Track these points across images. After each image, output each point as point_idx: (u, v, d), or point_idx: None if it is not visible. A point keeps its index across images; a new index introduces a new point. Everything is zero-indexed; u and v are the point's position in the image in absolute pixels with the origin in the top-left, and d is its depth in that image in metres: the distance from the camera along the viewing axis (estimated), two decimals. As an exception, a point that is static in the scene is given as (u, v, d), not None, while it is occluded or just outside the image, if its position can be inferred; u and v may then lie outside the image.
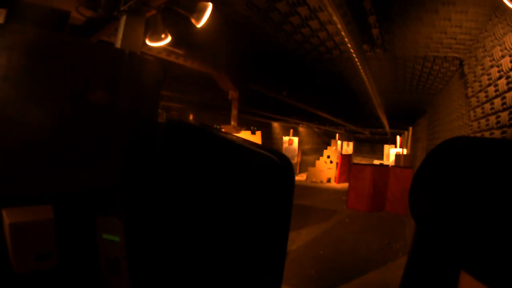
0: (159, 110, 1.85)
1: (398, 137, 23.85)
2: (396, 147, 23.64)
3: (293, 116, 17.64)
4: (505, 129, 2.89)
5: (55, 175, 1.36)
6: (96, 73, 1.45)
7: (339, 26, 3.77)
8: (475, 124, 3.82)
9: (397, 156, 19.16)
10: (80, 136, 1.42)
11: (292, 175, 1.37)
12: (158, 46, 3.98)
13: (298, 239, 9.28)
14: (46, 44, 1.32)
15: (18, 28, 1.30)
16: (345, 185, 18.52)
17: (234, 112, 7.63)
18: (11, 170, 1.25)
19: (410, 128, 18.03)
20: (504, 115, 2.91)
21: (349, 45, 4.41)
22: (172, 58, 5.64)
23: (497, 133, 3.05)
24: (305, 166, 25.26)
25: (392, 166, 15.07)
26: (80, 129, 1.42)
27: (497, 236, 0.66)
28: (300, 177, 22.91)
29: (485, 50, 3.52)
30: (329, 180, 21.67)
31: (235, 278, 1.51)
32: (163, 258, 1.69)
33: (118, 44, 2.23)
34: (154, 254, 1.69)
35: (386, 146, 26.44)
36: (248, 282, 1.48)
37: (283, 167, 1.33)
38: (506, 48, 2.92)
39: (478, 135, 3.64)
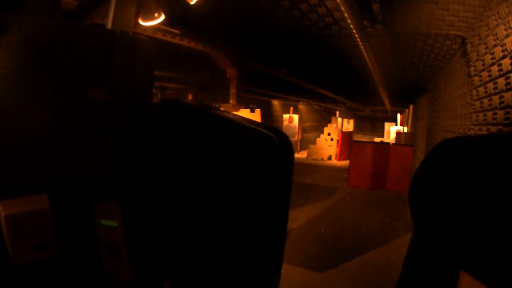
0: (154, 90, 1.80)
1: (398, 115, 23.80)
2: (396, 125, 23.62)
3: (293, 94, 17.56)
4: (508, 109, 2.84)
5: (49, 164, 1.33)
6: (87, 55, 1.41)
7: (338, 0, 3.66)
8: (477, 103, 3.77)
9: (398, 134, 19.13)
10: (74, 121, 1.38)
11: (291, 153, 1.33)
12: (152, 26, 3.90)
13: (300, 217, 9.30)
14: (41, 32, 1.29)
15: (13, 17, 1.27)
16: (346, 162, 18.53)
17: (233, 90, 7.62)
18: (3, 162, 1.24)
19: (411, 106, 17.97)
20: (508, 96, 2.85)
21: (348, 20, 4.29)
22: (168, 38, 5.54)
23: (500, 114, 3.02)
24: (305, 143, 25.29)
25: (393, 144, 15.05)
26: (73, 114, 1.38)
27: (497, 236, 0.65)
28: (300, 155, 22.96)
29: (489, 29, 3.43)
30: (330, 158, 21.70)
31: (235, 260, 1.50)
32: (163, 242, 1.70)
33: (109, 24, 2.16)
34: (154, 238, 1.69)
35: (386, 124, 26.45)
36: (249, 263, 1.48)
37: (282, 145, 1.31)
38: (510, 27, 2.84)
39: (481, 114, 3.61)
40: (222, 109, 1.66)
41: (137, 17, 3.45)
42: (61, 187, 1.41)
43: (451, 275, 0.77)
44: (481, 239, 0.68)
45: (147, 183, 1.66)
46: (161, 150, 1.63)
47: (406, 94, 14.69)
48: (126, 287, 1.63)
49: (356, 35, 4.93)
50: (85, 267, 1.54)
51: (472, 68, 4.08)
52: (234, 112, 2.26)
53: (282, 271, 1.45)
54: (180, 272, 1.74)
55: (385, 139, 23.56)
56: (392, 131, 23.10)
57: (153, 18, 3.48)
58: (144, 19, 3.49)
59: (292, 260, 6.70)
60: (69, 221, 1.46)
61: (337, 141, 21.67)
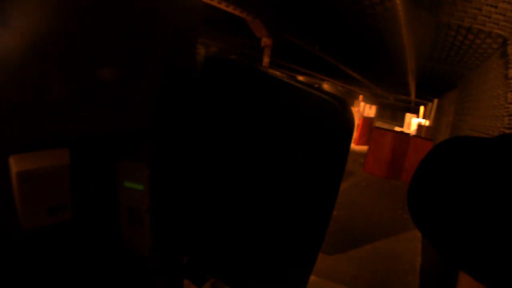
0: (199, 46, 1.70)
1: (421, 107, 23.48)
2: (418, 117, 23.34)
3: (319, 71, 17.35)
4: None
5: (72, 114, 1.17)
6: (131, 6, 1.28)
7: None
8: (511, 107, 3.72)
9: (419, 126, 18.93)
10: (108, 68, 1.23)
11: (352, 123, 1.19)
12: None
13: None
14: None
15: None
16: (364, 147, 18.37)
17: (266, 59, 7.45)
18: (17, 109, 1.05)
19: (436, 100, 17.70)
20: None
21: (397, 1, 4.22)
22: (207, 0, 5.49)
23: None
24: (325, 124, 25.07)
25: (413, 135, 14.90)
26: (107, 60, 1.24)
27: (497, 236, 0.64)
28: (319, 134, 22.80)
29: (535, 31, 3.36)
30: (348, 141, 21.54)
31: (270, 240, 1.38)
32: (191, 212, 1.58)
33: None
34: (181, 207, 1.58)
35: (407, 115, 26.16)
36: (286, 246, 1.36)
37: (343, 113, 1.16)
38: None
39: None
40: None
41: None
42: (85, 142, 1.25)
43: (450, 275, 0.78)
44: (480, 239, 0.67)
45: (182, 146, 1.54)
46: (201, 110, 1.51)
47: (434, 87, 14.44)
48: (143, 258, 1.52)
49: (402, 18, 4.84)
50: (101, 233, 1.41)
51: (510, 71, 4.01)
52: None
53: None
54: (204, 244, 1.62)
55: (405, 130, 23.33)
56: (413, 122, 22.88)
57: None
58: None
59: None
60: (90, 181, 1.31)
61: (358, 125, 21.52)
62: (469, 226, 0.68)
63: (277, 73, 1.38)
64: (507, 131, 3.67)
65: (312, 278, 2.30)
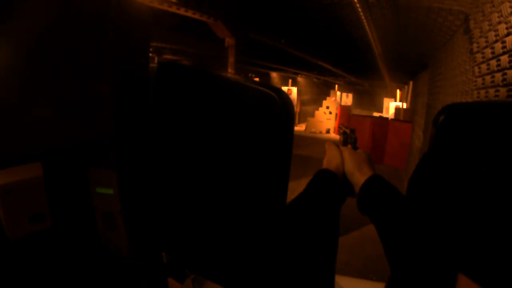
0: (151, 54, 1.71)
1: (398, 91, 23.67)
2: (395, 100, 23.51)
3: (292, 66, 17.40)
4: (511, 87, 2.79)
5: (41, 130, 1.25)
6: (80, 18, 1.33)
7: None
8: (479, 80, 3.72)
9: (397, 109, 19.06)
10: (65, 84, 1.30)
11: (292, 112, 1.25)
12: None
13: (299, 189, 9.03)
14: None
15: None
16: (343, 136, 18.46)
17: (231, 59, 7.48)
18: None
19: (411, 83, 17.81)
20: (511, 73, 2.78)
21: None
22: (165, 7, 5.38)
23: (502, 91, 2.98)
24: (304, 116, 25.26)
25: (391, 119, 15.00)
26: (64, 77, 1.30)
27: (497, 237, 0.63)
28: (299, 128, 22.97)
29: (493, 6, 3.34)
30: (328, 131, 21.71)
31: (234, 229, 1.45)
32: (161, 210, 1.64)
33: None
34: (151, 207, 1.65)
35: (385, 99, 26.34)
36: (248, 232, 1.42)
37: (283, 104, 1.23)
38: (517, 4, 2.76)
39: (482, 91, 3.58)
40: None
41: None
42: (54, 154, 1.34)
43: (448, 278, 0.74)
44: (481, 240, 0.65)
45: (144, 149, 1.61)
46: (158, 114, 1.56)
47: (407, 70, 14.55)
48: (124, 258, 1.59)
49: (358, 5, 4.81)
50: (81, 238, 1.50)
51: (474, 45, 4.00)
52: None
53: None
54: (179, 242, 1.69)
55: (384, 115, 23.49)
56: (391, 106, 23.00)
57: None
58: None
59: (289, 233, 6.68)
60: (64, 190, 1.40)
61: (336, 114, 21.63)
62: (469, 225, 0.67)
63: (228, 74, 1.54)
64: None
65: None
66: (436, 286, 0.82)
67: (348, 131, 1.55)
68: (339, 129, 1.63)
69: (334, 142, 1.48)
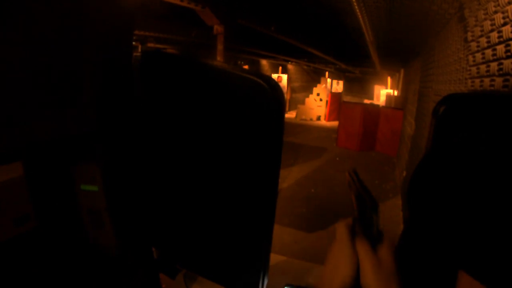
0: (134, 43, 1.67)
1: (389, 78, 23.67)
2: (387, 88, 23.52)
3: (282, 53, 17.31)
4: (507, 77, 2.74)
5: (19, 127, 1.17)
6: (60, 7, 1.23)
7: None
8: (473, 69, 3.69)
9: (388, 97, 19.10)
10: (43, 77, 1.22)
11: (281, 100, 1.25)
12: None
13: (289, 177, 9.32)
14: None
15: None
16: (335, 123, 18.53)
17: (220, 47, 7.50)
18: None
19: (402, 70, 17.83)
20: (507, 63, 2.73)
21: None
22: (151, -7, 5.28)
23: (498, 81, 2.93)
24: (294, 103, 25.25)
25: (382, 106, 15.05)
26: (45, 69, 1.22)
27: (499, 234, 0.63)
28: (289, 115, 22.98)
29: (490, -6, 3.27)
30: (319, 118, 21.74)
31: (223, 222, 1.45)
32: (149, 205, 1.64)
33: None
34: (138, 202, 1.63)
35: (376, 87, 26.35)
36: (238, 223, 1.42)
37: (272, 92, 1.22)
38: (513, -7, 2.70)
39: (477, 80, 3.55)
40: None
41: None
42: (36, 151, 1.31)
43: (448, 276, 0.73)
44: (482, 237, 0.65)
45: (129, 142, 1.57)
46: (143, 105, 1.55)
47: (398, 57, 14.52)
48: (112, 256, 1.56)
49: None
50: (68, 237, 1.47)
51: (469, 34, 3.96)
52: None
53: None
54: (168, 236, 1.69)
55: (375, 102, 23.53)
56: (382, 94, 23.04)
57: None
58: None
59: (282, 220, 6.75)
60: (48, 188, 1.37)
61: (326, 101, 21.63)
62: (471, 222, 0.67)
63: (215, 62, 1.47)
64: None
65: (284, 258, 2.29)
66: (437, 284, 0.81)
67: (366, 196, 0.95)
68: (349, 185, 1.05)
69: (349, 234, 0.92)
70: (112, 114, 1.48)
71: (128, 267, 1.62)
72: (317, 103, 21.90)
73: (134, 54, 1.56)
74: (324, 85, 23.39)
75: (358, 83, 35.66)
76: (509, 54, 2.74)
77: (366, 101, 23.12)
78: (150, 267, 1.77)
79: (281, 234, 6.15)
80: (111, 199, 1.49)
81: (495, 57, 3.03)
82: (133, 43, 1.64)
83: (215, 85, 1.35)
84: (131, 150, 1.57)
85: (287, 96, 23.89)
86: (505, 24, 2.83)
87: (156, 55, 1.51)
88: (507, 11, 2.79)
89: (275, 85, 1.24)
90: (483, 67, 3.37)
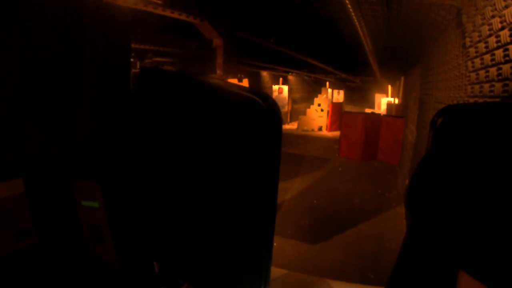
0: (132, 60, 1.68)
1: (389, 87, 23.68)
2: (387, 96, 23.52)
3: (282, 65, 17.35)
4: (507, 82, 2.73)
5: (20, 145, 1.21)
6: (57, 23, 1.26)
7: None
8: (473, 75, 3.68)
9: (389, 105, 19.10)
10: (44, 95, 1.26)
11: (279, 119, 1.28)
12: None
13: (292, 189, 9.29)
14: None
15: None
16: (336, 133, 18.50)
17: (220, 60, 7.49)
18: None
19: (402, 78, 17.85)
20: (507, 68, 2.72)
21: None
22: (150, 8, 5.27)
23: (497, 86, 2.93)
24: (296, 114, 25.27)
25: (384, 115, 15.04)
26: (42, 87, 1.25)
27: (499, 234, 0.63)
28: (291, 126, 23.00)
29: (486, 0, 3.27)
30: (320, 129, 21.74)
31: (224, 236, 1.45)
32: (149, 220, 1.64)
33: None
34: (138, 217, 1.64)
35: (377, 95, 26.35)
36: (238, 236, 1.41)
37: (269, 110, 1.23)
38: (510, -2, 2.69)
39: (476, 86, 3.53)
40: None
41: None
42: (36, 168, 1.32)
43: (448, 275, 0.73)
44: (482, 237, 0.65)
45: (128, 158, 1.59)
46: (141, 122, 1.55)
47: (398, 65, 14.57)
48: (113, 270, 1.58)
49: (347, 1, 4.73)
50: (69, 252, 1.48)
51: (467, 39, 3.95)
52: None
53: (274, 243, 1.35)
54: (170, 250, 1.68)
55: (376, 111, 23.52)
56: (382, 102, 23.05)
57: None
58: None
59: (285, 232, 6.70)
60: (49, 204, 1.39)
61: (328, 112, 21.63)
62: (472, 222, 0.68)
63: (213, 80, 1.55)
64: (471, 99, 3.65)
65: (286, 271, 2.27)
66: (438, 284, 0.82)
67: None
68: None
69: None
70: (110, 131, 1.50)
71: (129, 281, 1.62)
72: (318, 114, 21.92)
73: (133, 71, 1.57)
74: (325, 95, 23.45)
75: (359, 92, 35.66)
76: (507, 58, 2.73)
77: (367, 110, 23.13)
78: (151, 281, 1.76)
79: (284, 245, 6.11)
80: (112, 214, 1.51)
81: (493, 62, 3.03)
82: (132, 59, 1.68)
83: (213, 103, 1.36)
84: (130, 166, 1.57)
85: (288, 107, 23.95)
86: (502, 28, 2.82)
87: (154, 73, 1.52)
88: (504, 15, 2.79)
89: (272, 102, 1.25)
90: (482, 73, 3.36)
